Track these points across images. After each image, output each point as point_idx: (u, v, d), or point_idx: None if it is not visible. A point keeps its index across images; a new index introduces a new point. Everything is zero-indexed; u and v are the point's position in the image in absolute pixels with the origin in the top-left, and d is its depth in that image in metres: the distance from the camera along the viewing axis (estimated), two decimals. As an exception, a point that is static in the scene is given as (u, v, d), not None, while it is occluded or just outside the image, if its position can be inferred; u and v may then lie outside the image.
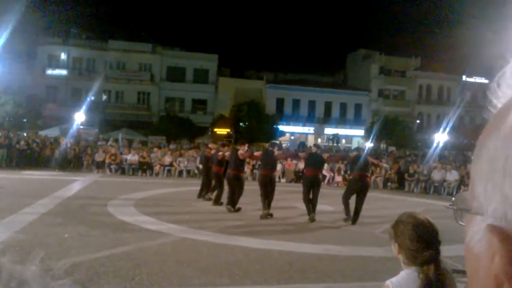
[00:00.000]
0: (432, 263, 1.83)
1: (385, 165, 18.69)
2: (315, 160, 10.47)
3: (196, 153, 21.79)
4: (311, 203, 10.11)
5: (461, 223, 0.51)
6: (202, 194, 12.81)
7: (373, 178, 19.22)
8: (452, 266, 2.24)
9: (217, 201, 11.73)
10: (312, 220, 9.85)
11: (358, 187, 10.26)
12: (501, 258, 0.40)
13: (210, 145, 14.01)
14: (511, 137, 0.40)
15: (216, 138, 35.76)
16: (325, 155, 11.58)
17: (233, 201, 10.80)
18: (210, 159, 12.60)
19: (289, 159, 20.36)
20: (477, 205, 0.44)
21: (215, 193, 12.07)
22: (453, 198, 0.64)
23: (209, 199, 12.30)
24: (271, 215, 10.17)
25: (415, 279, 1.85)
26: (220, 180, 11.87)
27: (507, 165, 0.40)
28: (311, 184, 10.20)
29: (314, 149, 11.35)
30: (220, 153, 12.02)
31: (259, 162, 17.84)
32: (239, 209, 10.80)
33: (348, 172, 20.51)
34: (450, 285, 1.86)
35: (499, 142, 0.41)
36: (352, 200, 10.30)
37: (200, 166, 15.59)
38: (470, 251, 0.45)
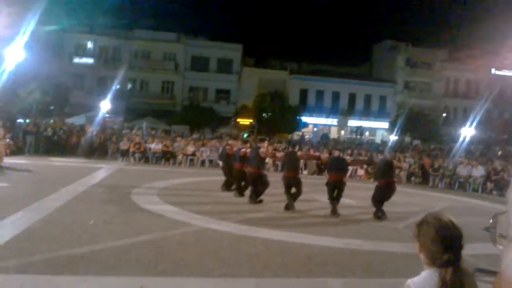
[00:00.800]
0: (450, 266, 1.82)
1: (404, 164, 18.57)
2: (338, 165, 10.44)
3: (218, 143, 21.93)
4: (336, 200, 10.12)
5: (499, 246, 0.49)
6: (227, 187, 12.69)
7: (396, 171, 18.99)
8: (476, 265, 2.20)
9: (241, 193, 11.76)
10: (337, 216, 9.83)
11: (385, 194, 10.20)
12: None
13: (230, 142, 13.96)
14: None
15: (239, 128, 35.88)
16: (348, 159, 11.43)
17: (256, 194, 10.84)
18: (232, 157, 12.56)
19: (311, 151, 20.26)
20: None
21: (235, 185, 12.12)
22: (491, 220, 0.61)
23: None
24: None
25: (436, 280, 1.85)
26: (244, 176, 11.89)
27: None
28: (334, 188, 10.17)
29: (336, 153, 11.21)
30: (243, 149, 12.02)
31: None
32: (261, 201, 10.84)
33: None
34: (469, 286, 1.85)
35: None
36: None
37: (220, 163, 15.07)
38: (506, 279, 0.44)
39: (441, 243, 1.86)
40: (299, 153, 11.40)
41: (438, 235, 1.88)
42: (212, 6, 79.50)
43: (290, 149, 11.41)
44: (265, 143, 11.91)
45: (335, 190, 10.14)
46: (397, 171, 18.83)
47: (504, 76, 45.88)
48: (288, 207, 10.11)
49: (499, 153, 28.65)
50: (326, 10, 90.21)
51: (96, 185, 12.02)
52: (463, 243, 1.88)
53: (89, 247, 5.89)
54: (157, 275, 5.12)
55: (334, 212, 9.90)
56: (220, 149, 15.65)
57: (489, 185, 18.51)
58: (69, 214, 7.89)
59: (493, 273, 1.74)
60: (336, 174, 10.32)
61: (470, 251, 1.89)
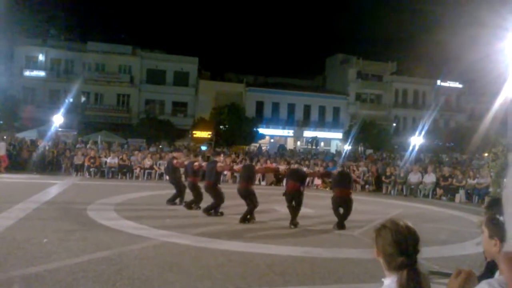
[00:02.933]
0: (405, 269, 1.89)
1: (361, 181, 19.10)
2: (296, 175, 10.46)
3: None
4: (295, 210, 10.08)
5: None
6: (175, 200, 12.37)
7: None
8: (429, 268, 2.35)
9: (190, 206, 11.63)
10: (295, 226, 9.84)
11: (339, 203, 10.21)
12: (507, 280, 0.45)
13: (175, 154, 13.49)
14: None
15: (197, 141, 35.74)
16: (308, 171, 11.51)
17: (213, 207, 10.82)
18: (183, 170, 12.37)
19: (269, 162, 20.47)
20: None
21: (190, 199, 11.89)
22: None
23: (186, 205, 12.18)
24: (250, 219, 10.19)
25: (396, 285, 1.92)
26: (197, 189, 11.84)
27: None
28: (292, 199, 10.15)
29: (295, 166, 11.24)
30: (196, 163, 11.95)
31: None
32: (222, 213, 10.83)
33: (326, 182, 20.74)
34: None
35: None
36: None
37: (167, 177, 13.89)
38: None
39: (396, 246, 1.93)
40: (257, 166, 11.44)
41: (393, 239, 1.94)
42: (168, 19, 79.12)
43: (248, 162, 11.41)
44: (221, 157, 11.88)
45: (292, 201, 10.15)
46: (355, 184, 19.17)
47: (449, 87, 48.23)
48: (250, 220, 10.08)
49: (447, 160, 29.94)
50: (280, 25, 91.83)
51: (50, 202, 11.64)
52: (419, 248, 1.95)
53: (44, 266, 5.73)
54: (116, 291, 5.05)
55: (292, 221, 9.93)
56: (166, 162, 15.15)
57: (439, 191, 19.28)
58: (22, 232, 7.62)
59: (446, 275, 1.87)
60: (293, 183, 10.31)
61: (423, 254, 2.02)
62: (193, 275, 5.81)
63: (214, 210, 10.80)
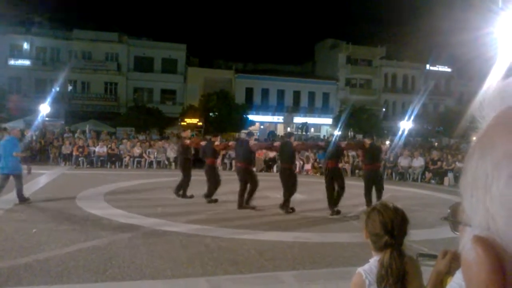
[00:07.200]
0: (388, 249, 1.92)
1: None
2: (283, 154, 10.39)
3: (166, 144, 21.66)
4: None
5: (456, 233, 0.57)
6: (181, 192, 11.75)
7: (340, 165, 19.43)
8: (418, 250, 2.36)
9: (211, 198, 11.14)
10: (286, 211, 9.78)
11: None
12: (485, 266, 0.43)
13: (184, 134, 13.06)
14: (489, 157, 0.45)
15: (186, 128, 35.56)
16: (296, 143, 11.20)
17: (210, 192, 10.82)
18: (198, 150, 12.27)
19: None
20: (466, 217, 0.50)
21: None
22: (448, 210, 0.70)
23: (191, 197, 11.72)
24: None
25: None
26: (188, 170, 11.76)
27: (487, 182, 0.44)
28: (288, 178, 10.05)
29: (292, 139, 10.98)
30: (187, 141, 11.89)
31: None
32: (216, 200, 10.80)
33: (318, 160, 20.83)
34: (411, 271, 1.94)
35: (480, 161, 0.46)
36: (322, 189, 10.42)
37: (170, 158, 13.09)
38: (464, 260, 0.51)
39: (382, 227, 1.96)
40: (251, 142, 11.10)
41: (380, 220, 1.98)
42: (155, 6, 78.15)
43: (243, 137, 11.22)
44: (218, 138, 11.99)
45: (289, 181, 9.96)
46: (341, 164, 19.03)
47: (438, 71, 48.41)
48: (245, 205, 10.03)
49: (436, 144, 30.18)
50: (269, 10, 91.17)
51: (38, 192, 11.57)
52: (406, 230, 1.98)
53: (34, 256, 5.70)
54: (106, 280, 5.04)
55: (286, 206, 9.80)
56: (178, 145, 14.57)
57: (428, 175, 19.47)
58: (10, 223, 7.57)
59: (434, 257, 1.88)
60: (283, 163, 10.29)
61: (413, 237, 2.02)
62: (184, 262, 5.82)
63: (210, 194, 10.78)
